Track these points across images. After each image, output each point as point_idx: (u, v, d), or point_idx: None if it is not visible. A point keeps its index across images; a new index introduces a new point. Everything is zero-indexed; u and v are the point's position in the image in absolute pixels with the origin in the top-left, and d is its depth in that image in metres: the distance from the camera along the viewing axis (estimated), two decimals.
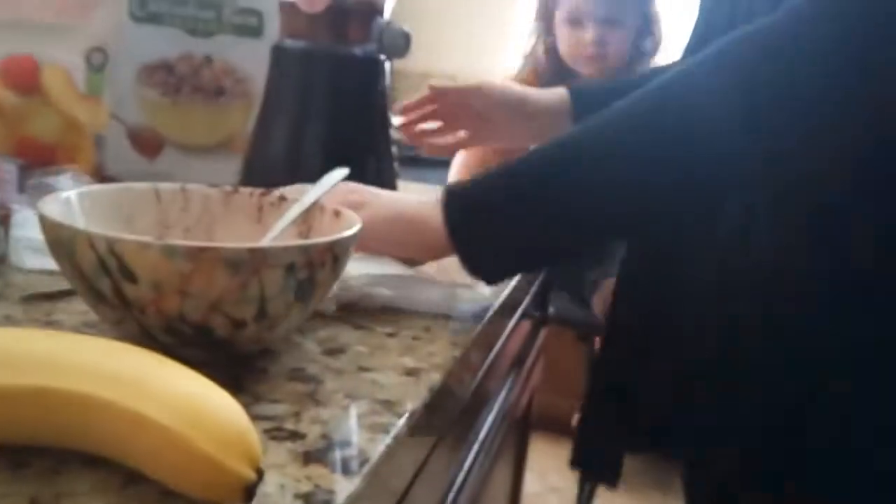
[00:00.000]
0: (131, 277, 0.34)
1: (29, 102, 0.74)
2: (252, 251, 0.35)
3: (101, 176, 0.75)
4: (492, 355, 0.65)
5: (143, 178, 0.50)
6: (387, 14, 0.77)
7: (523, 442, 1.20)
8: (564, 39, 1.40)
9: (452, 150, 0.91)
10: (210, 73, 0.84)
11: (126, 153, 0.80)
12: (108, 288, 0.34)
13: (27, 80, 0.74)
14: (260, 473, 0.27)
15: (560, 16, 1.40)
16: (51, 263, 0.49)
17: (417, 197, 0.56)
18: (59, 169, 0.65)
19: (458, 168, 1.41)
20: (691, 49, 0.63)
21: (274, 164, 0.76)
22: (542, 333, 1.09)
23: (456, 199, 0.51)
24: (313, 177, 0.55)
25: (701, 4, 0.64)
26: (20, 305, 0.45)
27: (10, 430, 0.28)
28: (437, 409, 0.42)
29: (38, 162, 0.74)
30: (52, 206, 0.38)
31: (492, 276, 0.53)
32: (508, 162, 0.52)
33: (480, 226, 0.51)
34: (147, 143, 0.81)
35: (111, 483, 0.28)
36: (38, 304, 0.45)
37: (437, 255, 0.54)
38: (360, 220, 0.43)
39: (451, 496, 0.58)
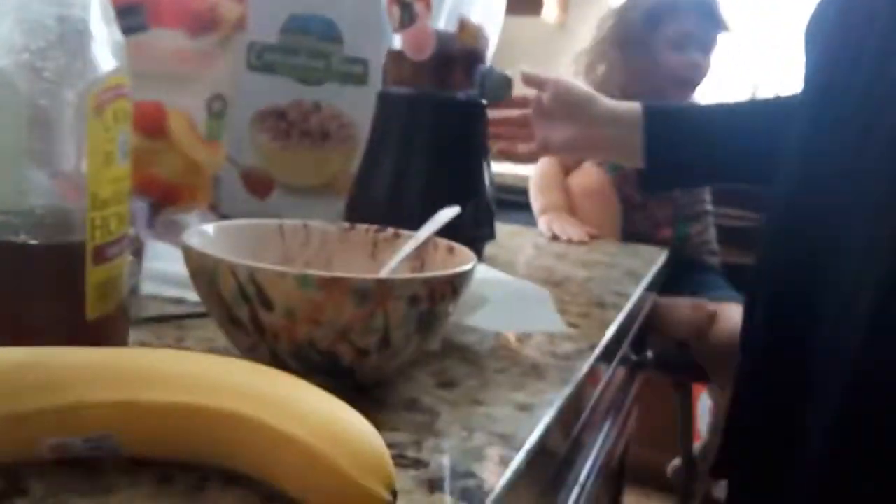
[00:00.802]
0: (268, 305, 0.35)
1: (155, 145, 0.79)
2: (379, 282, 0.36)
3: (218, 214, 0.79)
4: (592, 401, 0.65)
5: (254, 217, 0.53)
6: (488, 60, 0.80)
7: (617, 494, 1.17)
8: (665, 63, 1.40)
9: (525, 158, 0.95)
10: (318, 118, 0.88)
11: (240, 193, 0.85)
12: (245, 315, 0.36)
13: (154, 124, 0.79)
14: (394, 495, 0.27)
15: (661, 38, 1.40)
16: (180, 293, 0.53)
17: None
18: (185, 207, 0.70)
19: (539, 185, 1.50)
20: (816, 88, 0.62)
21: (376, 204, 0.79)
22: (639, 379, 1.06)
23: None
24: (414, 216, 0.57)
25: (809, 43, 0.64)
26: (152, 330, 0.48)
27: (159, 446, 0.30)
28: (550, 445, 0.42)
29: (161, 200, 0.79)
30: (194, 239, 0.40)
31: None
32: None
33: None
34: (259, 184, 0.86)
35: (251, 501, 0.29)
36: (168, 331, 0.48)
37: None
38: None
39: None
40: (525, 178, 2.21)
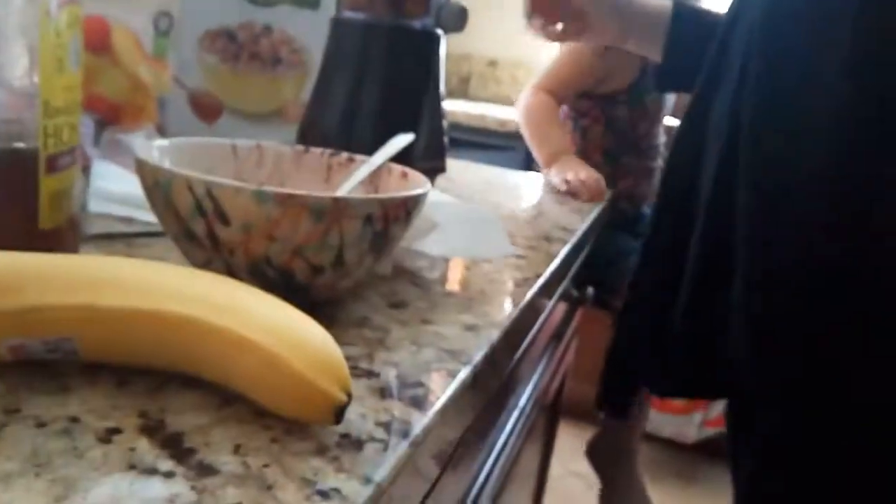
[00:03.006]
0: (225, 220, 0.36)
1: (99, 62, 0.77)
2: (336, 200, 0.37)
3: (164, 136, 0.78)
4: (533, 331, 0.67)
5: None
6: None
7: (552, 425, 1.22)
8: None
9: (555, 38, 0.88)
10: (268, 42, 0.86)
11: (186, 116, 0.83)
12: (202, 229, 0.37)
13: (98, 40, 0.76)
14: (349, 397, 0.29)
15: None
16: (128, 212, 0.53)
17: None
18: (130, 127, 0.68)
19: (536, 124, 1.34)
20: None
21: (328, 132, 0.78)
22: (579, 315, 1.10)
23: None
24: (366, 146, 0.57)
25: None
26: (101, 247, 0.48)
27: (118, 351, 0.31)
28: (495, 365, 0.44)
29: (105, 119, 0.77)
30: (149, 153, 0.40)
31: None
32: None
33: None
34: (206, 108, 0.84)
35: (210, 402, 0.31)
36: (118, 249, 0.48)
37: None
38: None
39: (482, 474, 0.61)
40: (477, 117, 2.22)
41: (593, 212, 0.92)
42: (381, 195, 0.39)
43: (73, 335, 0.29)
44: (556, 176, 1.08)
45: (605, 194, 1.04)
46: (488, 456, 0.64)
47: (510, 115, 1.97)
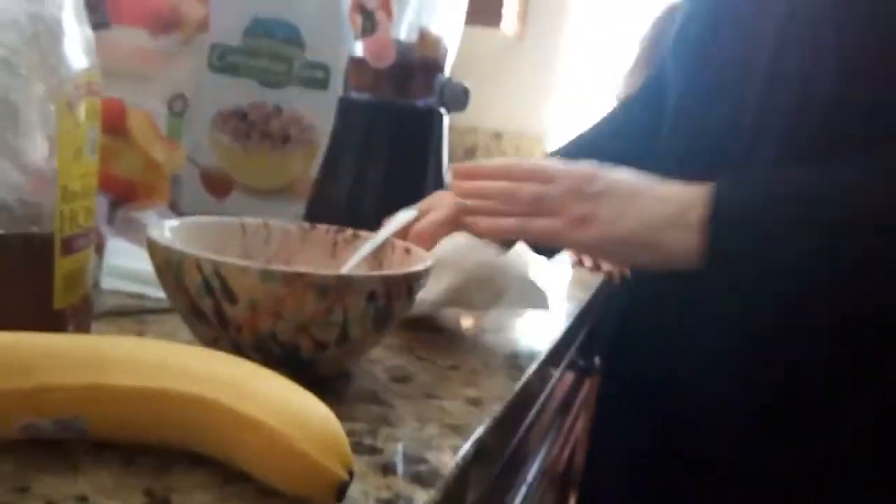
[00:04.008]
0: (232, 298, 0.37)
1: (115, 142, 0.80)
2: (339, 278, 0.38)
3: (177, 213, 0.80)
4: (539, 402, 0.67)
5: None
6: (447, 70, 0.82)
7: (564, 499, 1.20)
8: None
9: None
10: (279, 121, 0.89)
11: (198, 193, 0.85)
12: (209, 307, 0.38)
13: (114, 122, 0.80)
14: (351, 475, 0.29)
15: None
16: (140, 288, 0.54)
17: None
18: (144, 205, 0.70)
19: None
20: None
21: (335, 207, 0.80)
22: (587, 386, 1.10)
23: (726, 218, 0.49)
24: (372, 220, 0.59)
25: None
26: (114, 323, 0.49)
27: (125, 429, 0.32)
28: (499, 439, 0.44)
29: (119, 198, 0.79)
30: (159, 233, 0.42)
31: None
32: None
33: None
34: (218, 185, 0.87)
35: (214, 480, 0.31)
36: (130, 325, 0.49)
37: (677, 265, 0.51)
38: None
39: None
40: None
41: (597, 284, 0.93)
42: (383, 272, 0.40)
43: (83, 414, 0.30)
44: None
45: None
46: None
47: None
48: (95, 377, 0.30)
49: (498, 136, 2.81)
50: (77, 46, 0.38)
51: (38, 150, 0.37)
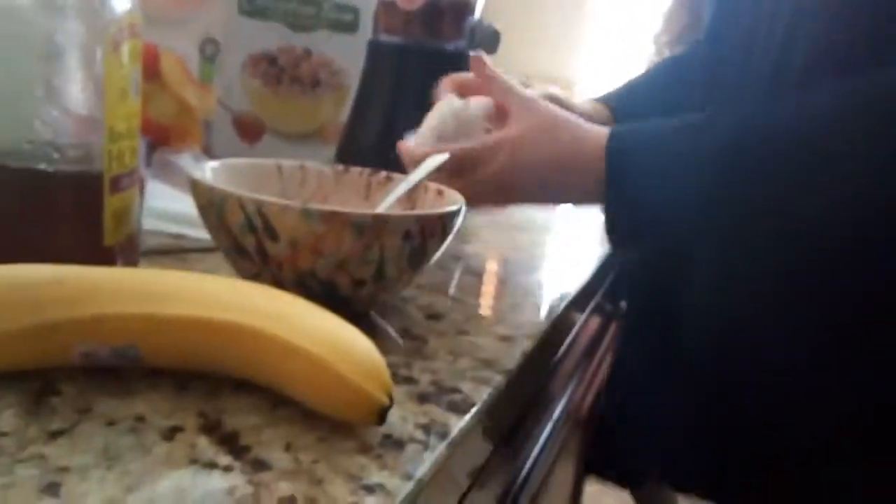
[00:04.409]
0: (273, 236, 0.38)
1: (149, 87, 0.81)
2: (377, 217, 0.39)
3: (210, 157, 0.81)
4: (564, 346, 0.68)
5: None
6: (477, 12, 0.82)
7: (587, 441, 1.22)
8: None
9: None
10: (308, 65, 0.89)
11: (230, 137, 0.87)
12: (251, 245, 0.39)
13: (148, 66, 0.80)
14: (391, 400, 0.31)
15: None
16: (179, 229, 0.56)
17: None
18: (177, 148, 0.72)
19: None
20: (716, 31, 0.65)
21: (365, 152, 0.81)
22: (613, 329, 1.11)
23: (625, 147, 0.50)
24: (401, 164, 0.59)
25: None
26: (156, 262, 0.51)
27: (177, 357, 0.33)
28: (528, 374, 0.46)
29: (154, 141, 0.81)
30: (201, 174, 0.43)
31: (625, 237, 0.53)
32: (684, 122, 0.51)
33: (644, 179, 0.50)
34: (249, 129, 0.88)
35: (262, 404, 0.33)
36: (172, 264, 0.51)
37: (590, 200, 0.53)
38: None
39: (514, 489, 0.62)
40: None
41: None
42: (418, 212, 0.41)
43: (138, 342, 0.32)
44: None
45: None
46: (522, 467, 0.66)
47: None
48: (149, 307, 0.32)
49: (527, 80, 2.78)
50: None
51: (82, 92, 0.38)
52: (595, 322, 0.96)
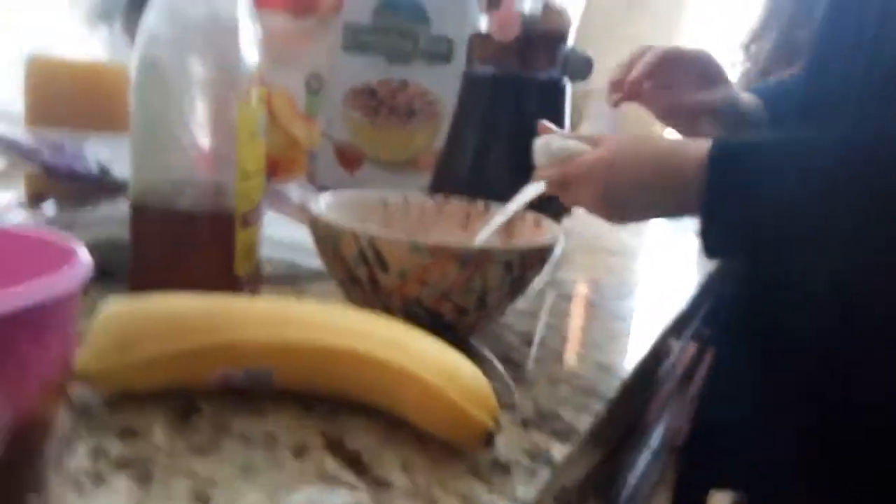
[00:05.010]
0: (384, 267, 0.41)
1: None
2: (481, 250, 0.41)
3: (315, 186, 0.86)
4: (661, 373, 0.69)
5: (345, 188, 0.59)
6: (570, 41, 0.83)
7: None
8: None
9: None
10: (405, 96, 0.93)
11: (332, 166, 0.91)
12: (364, 275, 0.42)
13: None
14: (498, 424, 0.33)
15: None
16: (292, 256, 0.59)
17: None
18: (285, 179, 0.76)
19: None
20: (815, 68, 0.64)
21: (460, 179, 0.84)
22: (710, 356, 1.09)
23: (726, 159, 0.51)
24: (495, 193, 0.61)
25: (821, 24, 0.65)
26: (273, 288, 0.55)
27: (304, 380, 0.36)
28: (627, 402, 0.47)
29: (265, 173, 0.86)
30: (318, 208, 0.46)
31: (718, 248, 0.53)
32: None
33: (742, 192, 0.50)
34: (350, 158, 0.92)
35: (378, 426, 0.35)
36: (288, 290, 0.55)
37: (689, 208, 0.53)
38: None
39: None
40: None
41: None
42: (520, 246, 0.43)
43: (273, 366, 0.35)
44: None
45: None
46: (619, 494, 0.66)
47: None
48: (285, 335, 0.35)
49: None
50: (249, 41, 0.43)
51: (217, 134, 0.42)
52: (692, 349, 0.95)
